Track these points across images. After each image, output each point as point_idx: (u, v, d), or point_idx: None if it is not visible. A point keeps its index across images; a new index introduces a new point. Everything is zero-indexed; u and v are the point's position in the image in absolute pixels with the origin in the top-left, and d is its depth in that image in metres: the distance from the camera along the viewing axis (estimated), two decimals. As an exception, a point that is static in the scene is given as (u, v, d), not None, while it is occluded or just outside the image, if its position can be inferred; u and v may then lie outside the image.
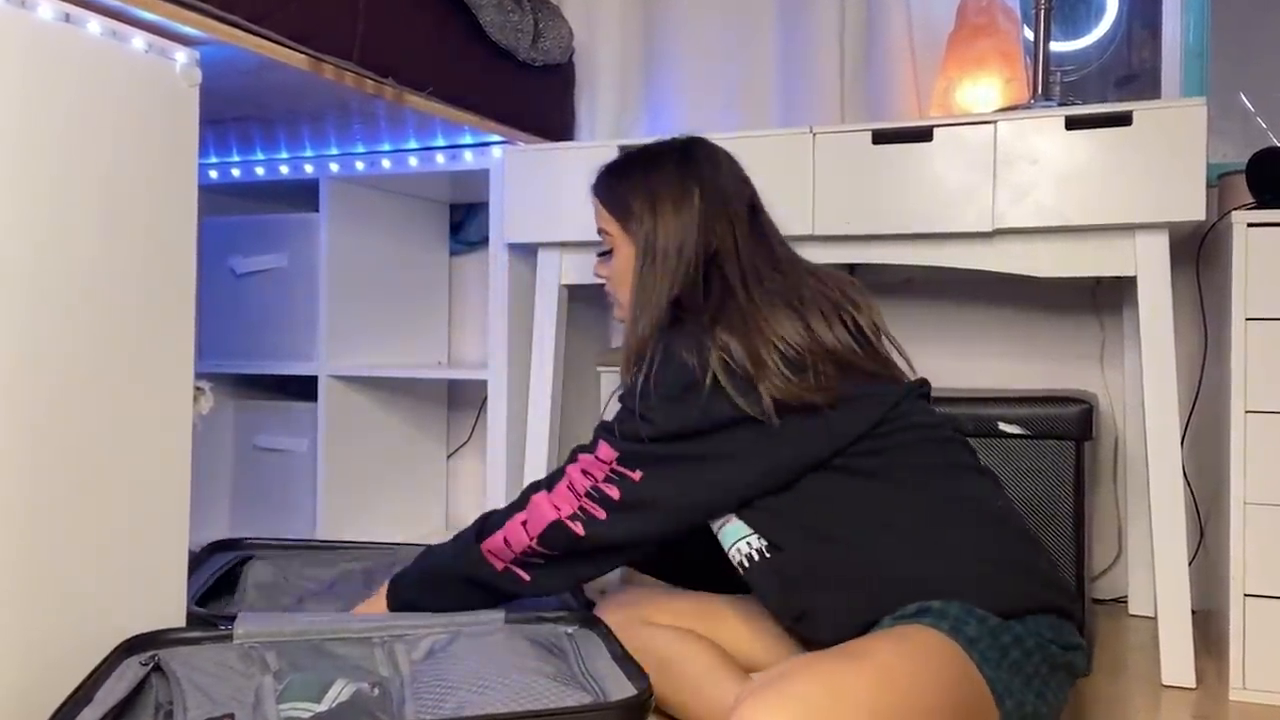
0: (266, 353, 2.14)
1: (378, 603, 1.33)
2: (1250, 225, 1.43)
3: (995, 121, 1.54)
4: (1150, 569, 1.66)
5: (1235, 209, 1.46)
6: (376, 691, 1.12)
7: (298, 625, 1.23)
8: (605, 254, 1.37)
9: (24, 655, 1.09)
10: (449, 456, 2.42)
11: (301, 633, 1.23)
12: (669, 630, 1.30)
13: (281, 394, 2.28)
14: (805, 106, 2.01)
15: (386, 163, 2.00)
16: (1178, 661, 1.46)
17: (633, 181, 1.32)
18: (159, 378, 1.25)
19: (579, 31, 2.11)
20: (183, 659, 1.16)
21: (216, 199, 2.25)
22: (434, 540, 2.20)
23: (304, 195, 2.18)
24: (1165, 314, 1.48)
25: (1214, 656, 1.57)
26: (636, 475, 1.17)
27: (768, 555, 1.17)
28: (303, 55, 1.45)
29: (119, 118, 1.19)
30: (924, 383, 1.25)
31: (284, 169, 2.08)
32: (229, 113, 1.73)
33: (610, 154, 1.76)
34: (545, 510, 1.21)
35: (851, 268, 2.02)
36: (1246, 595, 1.42)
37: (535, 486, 1.25)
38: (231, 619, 1.21)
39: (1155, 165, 1.44)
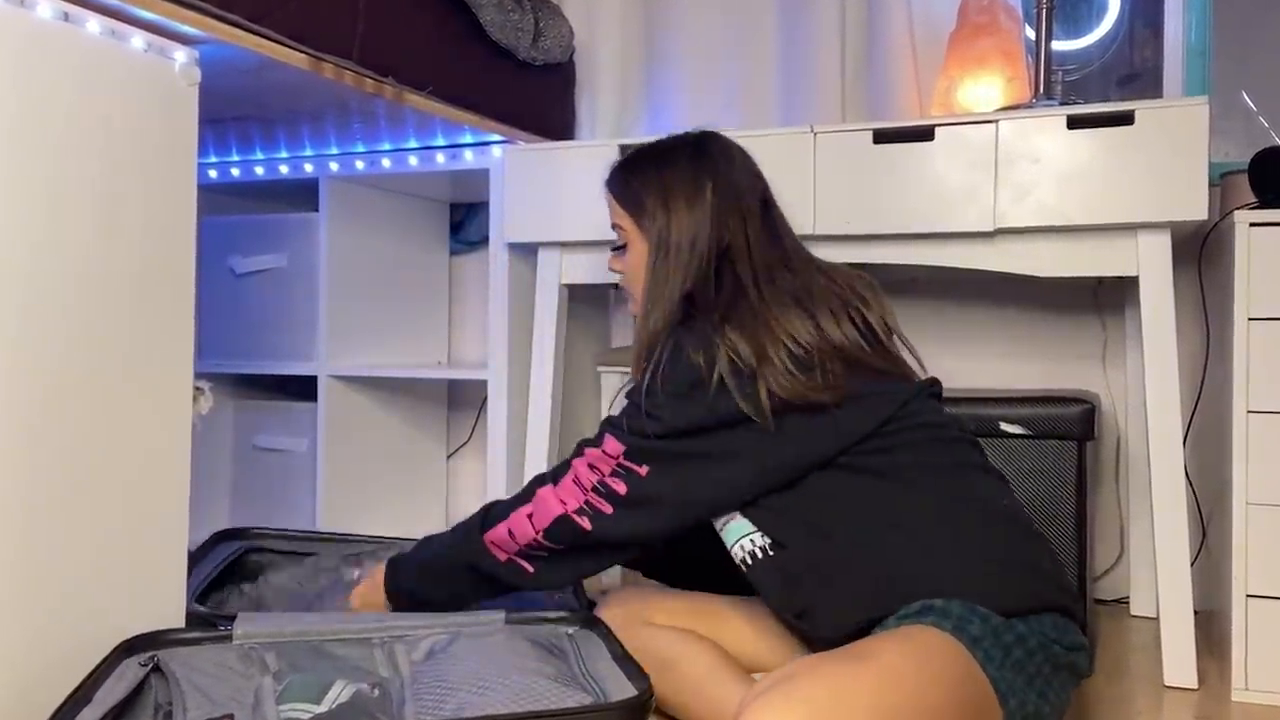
0: (266, 353, 2.14)
1: (374, 585, 1.33)
2: (1252, 225, 1.42)
3: (997, 121, 1.53)
4: (1152, 569, 1.66)
5: (1237, 208, 1.46)
6: (376, 692, 1.12)
7: (297, 626, 1.23)
8: (619, 249, 1.37)
9: (23, 656, 1.08)
10: (449, 456, 2.41)
11: (301, 633, 1.22)
12: (670, 631, 1.30)
13: (281, 394, 2.28)
14: (806, 106, 2.01)
15: (386, 162, 2.00)
16: (1180, 662, 1.46)
17: (646, 176, 1.31)
18: (158, 377, 1.24)
19: (579, 30, 2.10)
20: (182, 659, 1.15)
21: (216, 198, 2.25)
22: (434, 540, 2.20)
23: (304, 195, 2.18)
24: (1167, 314, 1.48)
25: (1216, 657, 1.56)
26: (643, 470, 1.17)
27: (770, 553, 1.17)
28: (302, 54, 1.44)
29: (118, 117, 1.18)
30: (934, 382, 1.24)
31: (284, 168, 2.07)
32: (228, 112, 1.73)
33: (611, 153, 1.76)
34: (551, 504, 1.21)
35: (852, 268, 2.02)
36: (1249, 596, 1.42)
37: (540, 480, 1.25)
38: (231, 619, 1.21)
39: (1157, 164, 1.44)
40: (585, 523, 1.19)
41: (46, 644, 1.11)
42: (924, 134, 1.56)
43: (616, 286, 2.15)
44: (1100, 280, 1.90)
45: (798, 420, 1.14)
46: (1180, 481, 1.47)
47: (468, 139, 1.92)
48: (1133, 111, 1.46)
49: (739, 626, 1.33)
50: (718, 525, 1.22)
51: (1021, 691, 0.99)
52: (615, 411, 1.25)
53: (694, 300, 1.24)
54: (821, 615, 1.13)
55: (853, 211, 1.60)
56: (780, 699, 0.90)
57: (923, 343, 1.31)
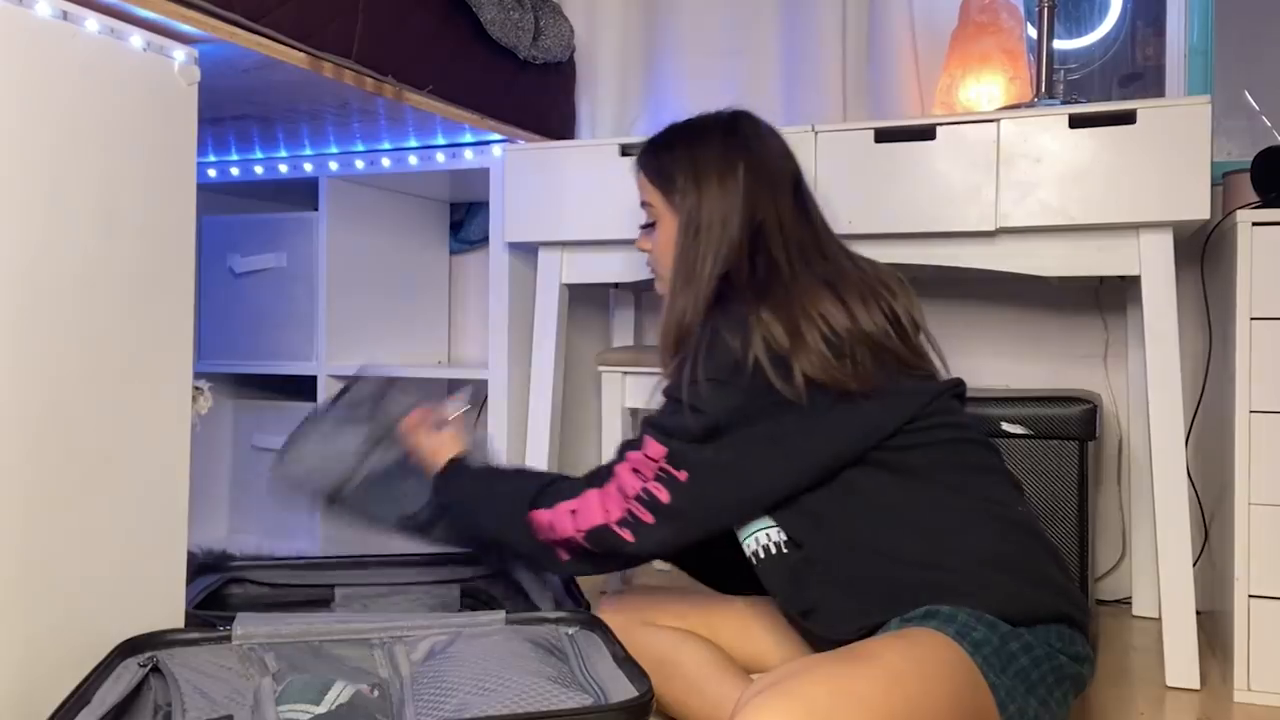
0: (265, 352, 2.13)
1: (434, 461, 1.34)
2: (1255, 224, 1.42)
3: (998, 120, 1.53)
4: (1154, 570, 1.65)
5: (1240, 208, 1.45)
6: (376, 693, 1.12)
7: (297, 627, 1.23)
8: (647, 227, 1.35)
9: (21, 656, 1.08)
10: (449, 456, 2.40)
11: (300, 634, 1.22)
12: (669, 631, 1.29)
13: (280, 393, 2.27)
14: (807, 105, 2.00)
15: (386, 161, 1.99)
16: (1182, 663, 1.45)
17: (677, 153, 1.30)
18: (157, 377, 1.24)
19: (580, 29, 2.10)
20: (181, 660, 1.15)
21: (215, 198, 2.25)
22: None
23: (303, 194, 2.18)
24: (1169, 313, 1.47)
25: (1218, 658, 1.56)
26: (683, 476, 1.15)
27: (784, 550, 1.16)
28: (302, 53, 1.44)
29: (117, 116, 1.18)
30: (959, 383, 1.23)
31: (283, 168, 2.07)
32: (228, 111, 1.73)
33: (611, 153, 1.77)
34: (594, 511, 1.19)
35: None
36: (1251, 596, 1.41)
37: (592, 479, 1.23)
38: (230, 620, 1.21)
39: (1159, 164, 1.44)
40: (627, 534, 1.17)
41: (45, 644, 1.10)
42: (925, 133, 1.56)
43: (617, 286, 2.16)
44: (1102, 280, 1.89)
45: (832, 408, 1.12)
46: (1182, 482, 1.46)
47: (468, 138, 1.92)
48: (1135, 111, 1.45)
49: (738, 627, 1.32)
50: None
51: (1022, 699, 0.99)
52: (654, 410, 1.23)
53: (727, 282, 1.22)
54: (828, 614, 1.13)
55: (854, 211, 1.60)
56: (779, 697, 0.90)
57: (923, 342, 1.31)
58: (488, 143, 1.92)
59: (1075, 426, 1.60)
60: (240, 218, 2.20)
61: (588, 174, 1.78)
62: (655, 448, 1.17)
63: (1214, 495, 1.65)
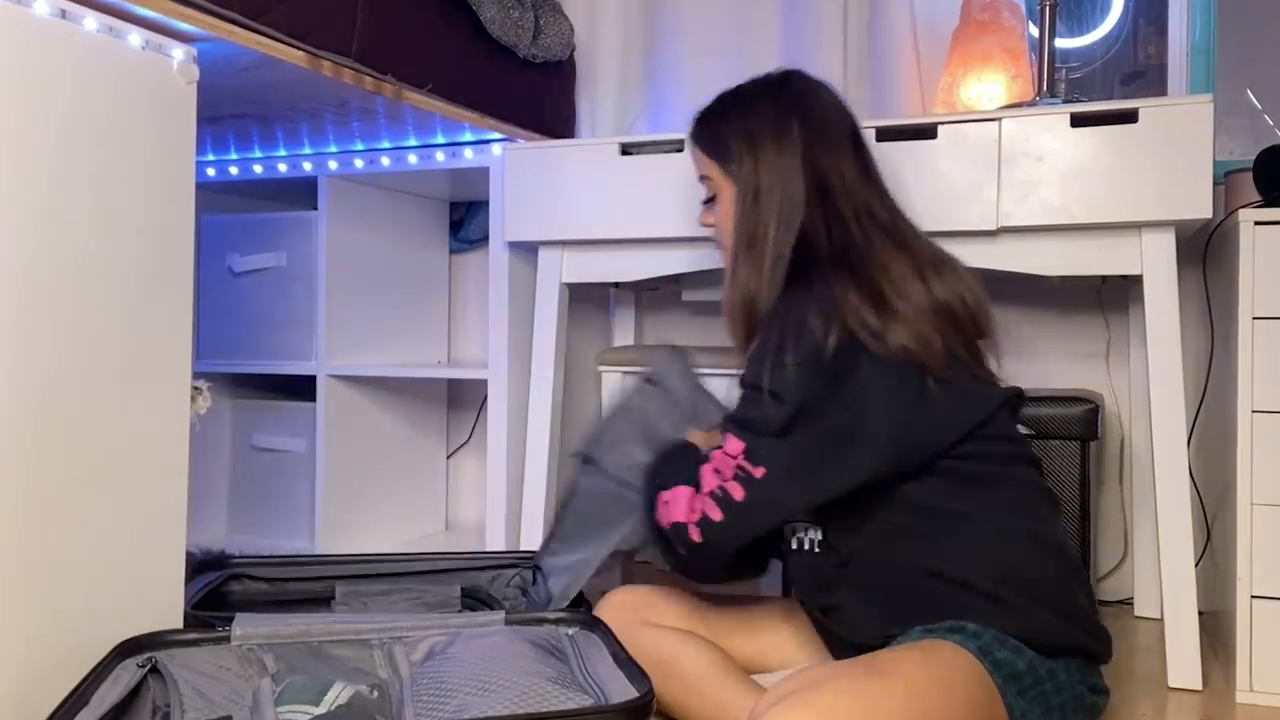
0: (265, 352, 2.13)
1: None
2: (1257, 223, 1.42)
3: (1000, 119, 1.52)
4: (1156, 570, 1.65)
5: (1242, 207, 1.45)
6: (375, 694, 1.11)
7: (296, 627, 1.22)
8: (709, 202, 1.31)
9: (19, 657, 1.07)
10: (449, 456, 2.40)
11: (300, 634, 1.22)
12: (670, 631, 1.29)
13: (280, 393, 2.27)
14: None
15: (386, 160, 1.99)
16: (1184, 663, 1.45)
17: (730, 121, 1.26)
18: (156, 377, 1.24)
19: (580, 28, 2.10)
20: (180, 661, 1.15)
21: (214, 197, 2.24)
22: (434, 542, 2.20)
23: (302, 193, 2.17)
24: (1171, 313, 1.47)
25: (1221, 658, 1.56)
26: (759, 472, 1.10)
27: (817, 550, 1.15)
28: (301, 52, 1.43)
29: (115, 115, 1.18)
30: (1019, 393, 1.18)
31: (282, 167, 2.06)
32: (227, 110, 1.72)
33: (612, 151, 1.76)
34: (679, 508, 1.16)
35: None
36: (1253, 597, 1.41)
37: (694, 471, 1.18)
38: (229, 620, 1.20)
39: (1161, 163, 1.43)
40: (697, 534, 1.14)
41: (43, 645, 1.10)
42: (927, 132, 1.55)
43: (617, 285, 2.16)
44: (1104, 279, 1.89)
45: (906, 404, 1.08)
46: (1184, 482, 1.46)
47: (467, 137, 1.91)
48: (1137, 109, 1.45)
49: (738, 627, 1.32)
50: None
51: None
52: (734, 405, 1.18)
53: (801, 251, 1.17)
54: (852, 617, 1.12)
55: (855, 210, 1.59)
56: (799, 708, 0.89)
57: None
58: (487, 142, 1.91)
59: (1077, 426, 1.59)
60: (239, 217, 2.20)
61: (588, 173, 1.77)
62: (734, 443, 1.13)
63: (1216, 495, 1.65)
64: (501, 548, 1.88)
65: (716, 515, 1.12)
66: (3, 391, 1.05)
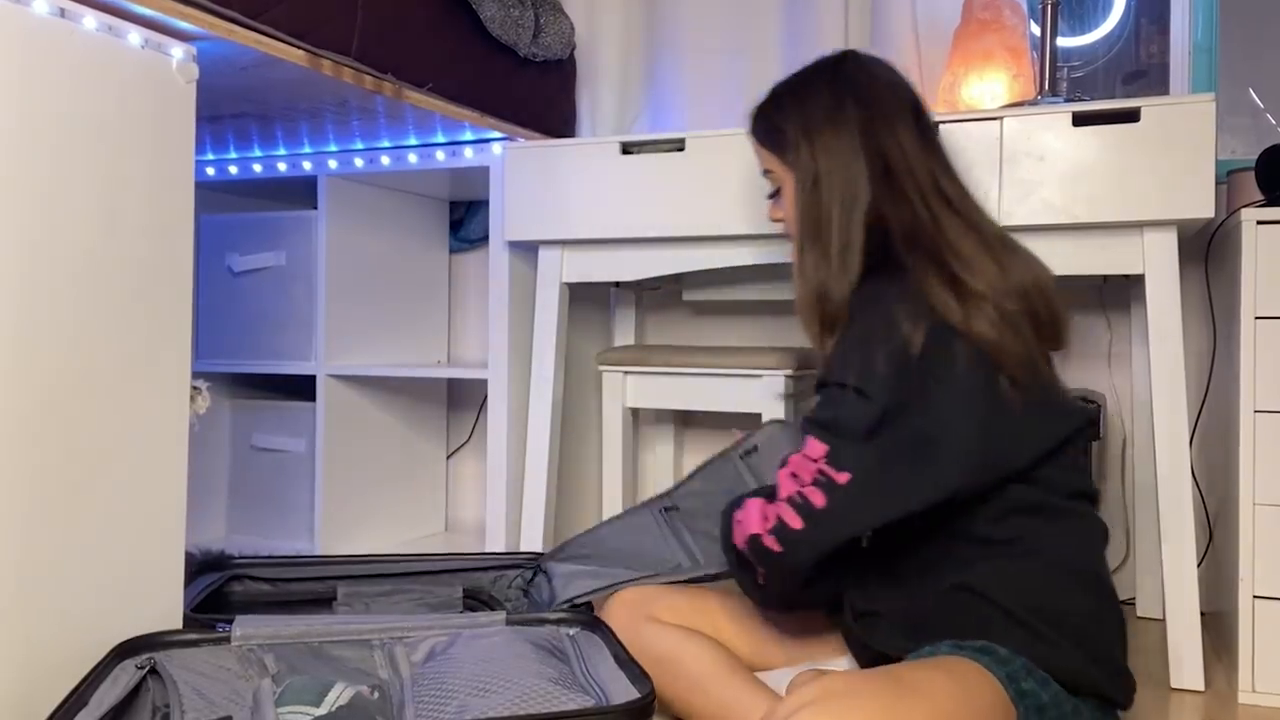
0: (264, 352, 2.12)
1: None
2: (1260, 223, 1.41)
3: (1001, 118, 1.52)
4: (1159, 571, 1.65)
5: (1244, 206, 1.45)
6: (376, 695, 1.11)
7: (296, 628, 1.22)
8: (774, 195, 1.28)
9: (18, 658, 1.07)
10: (449, 456, 2.40)
11: (300, 635, 1.21)
12: (674, 629, 1.28)
13: (279, 393, 2.27)
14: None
15: (385, 160, 1.98)
16: (1186, 664, 1.44)
17: (784, 110, 1.23)
18: (156, 377, 1.23)
19: (580, 27, 2.09)
20: (179, 662, 1.14)
21: (214, 196, 2.24)
22: (433, 543, 2.20)
23: (302, 193, 2.17)
24: (1173, 313, 1.46)
25: (1223, 659, 1.55)
26: (843, 478, 1.05)
27: (868, 550, 1.12)
28: (301, 51, 1.43)
29: (115, 114, 1.17)
30: (1096, 417, 1.16)
31: (282, 166, 2.06)
32: (226, 109, 1.72)
33: (612, 151, 1.76)
34: (753, 520, 1.11)
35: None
36: (1256, 597, 1.40)
37: (771, 487, 1.14)
38: (229, 621, 1.20)
39: (1163, 162, 1.43)
40: (773, 542, 1.08)
41: (42, 646, 1.10)
42: (928, 131, 1.55)
43: (618, 284, 2.15)
44: (1105, 279, 1.88)
45: (994, 405, 1.04)
46: (1186, 482, 1.46)
47: (467, 136, 1.91)
48: (1139, 109, 1.44)
49: (742, 624, 1.31)
50: None
51: None
52: (814, 406, 1.13)
53: (871, 234, 1.12)
54: (886, 627, 1.10)
55: (856, 209, 1.59)
56: (826, 717, 0.87)
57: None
58: (488, 141, 1.91)
59: (1079, 426, 1.58)
60: (239, 216, 2.20)
61: (588, 172, 1.77)
62: (815, 446, 1.07)
63: (1218, 495, 1.65)
64: (501, 548, 1.87)
65: (795, 523, 1.06)
66: (1, 391, 1.04)
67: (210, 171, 2.11)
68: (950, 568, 1.07)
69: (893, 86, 1.20)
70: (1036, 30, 1.78)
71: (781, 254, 1.68)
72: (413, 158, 1.96)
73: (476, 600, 1.59)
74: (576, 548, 1.54)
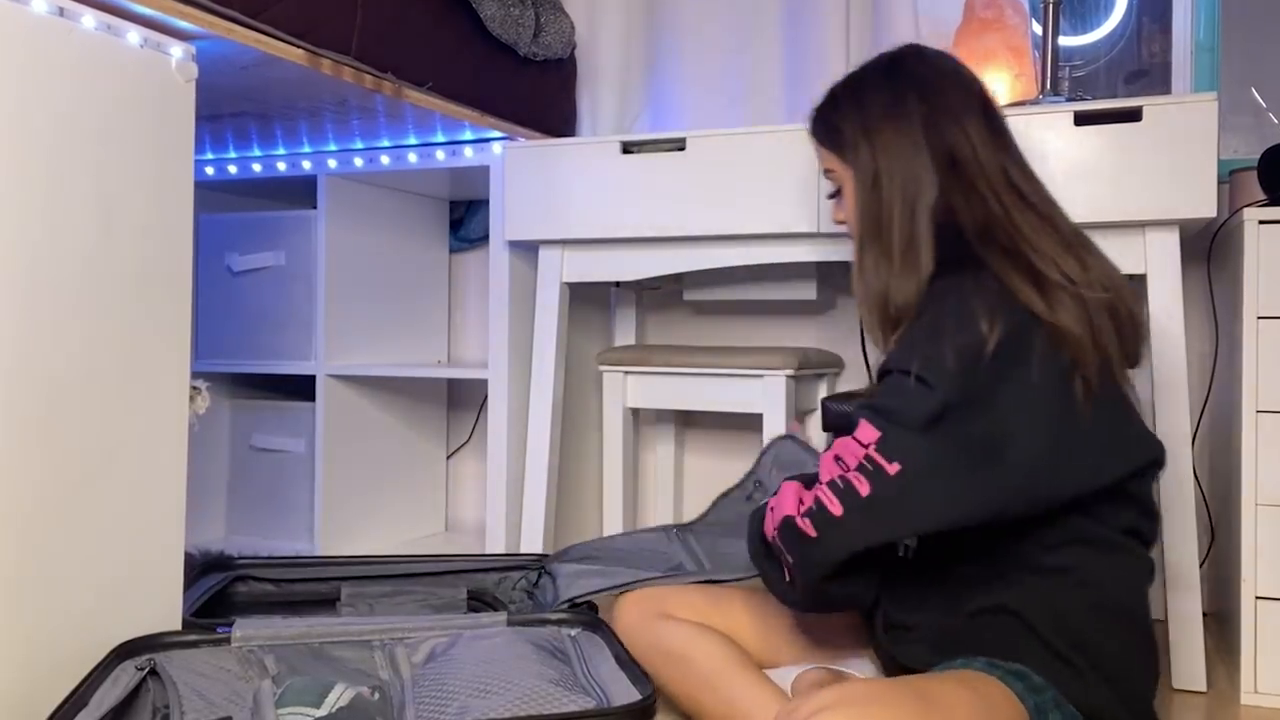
0: (264, 352, 2.12)
1: None
2: (1262, 222, 1.41)
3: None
4: (1160, 571, 1.64)
5: (1247, 206, 1.44)
6: (376, 696, 1.11)
7: (297, 628, 1.22)
8: (834, 195, 1.23)
9: (18, 659, 1.07)
10: (449, 456, 2.40)
11: (300, 636, 1.21)
12: (685, 625, 1.26)
13: (279, 393, 2.26)
14: (810, 102, 1.98)
15: (385, 159, 1.98)
16: (1189, 665, 1.44)
17: (842, 106, 1.19)
18: (155, 377, 1.23)
19: (580, 26, 2.09)
20: (179, 662, 1.14)
21: (213, 196, 2.24)
22: (433, 543, 2.20)
23: (302, 192, 2.17)
24: (1175, 312, 1.46)
25: (1225, 660, 1.55)
26: (893, 468, 0.97)
27: (910, 560, 1.07)
28: (300, 50, 1.43)
29: (114, 113, 1.17)
30: (1162, 455, 1.06)
31: (281, 165, 2.06)
32: (225, 108, 1.71)
33: (613, 150, 1.75)
34: (787, 502, 1.04)
35: (856, 265, 2.00)
36: (1258, 598, 1.40)
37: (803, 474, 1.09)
38: (229, 624, 1.20)
39: (1165, 161, 1.42)
40: (809, 526, 1.01)
41: (41, 647, 1.09)
42: (930, 130, 1.54)
43: (618, 284, 2.15)
44: (1106, 278, 1.88)
45: (1064, 416, 0.98)
46: (1188, 482, 1.45)
47: (468, 135, 1.91)
48: (1140, 108, 1.44)
49: (754, 621, 1.29)
50: None
51: None
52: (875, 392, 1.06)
53: (941, 233, 1.07)
54: (918, 644, 1.07)
55: (857, 209, 1.58)
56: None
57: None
58: (488, 140, 1.91)
59: (1080, 426, 1.58)
60: (238, 216, 2.19)
61: (589, 172, 1.77)
62: (869, 431, 1.00)
63: (1221, 496, 1.64)
64: (501, 548, 1.87)
65: (835, 509, 0.99)
66: (0, 392, 1.04)
67: (209, 171, 2.11)
68: (993, 588, 1.03)
69: (958, 79, 1.15)
70: (1038, 29, 1.77)
71: (782, 254, 1.67)
72: (412, 157, 1.96)
73: (480, 601, 1.59)
74: (582, 550, 1.54)
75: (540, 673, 1.14)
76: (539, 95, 1.99)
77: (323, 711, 1.06)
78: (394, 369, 2.03)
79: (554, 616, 1.30)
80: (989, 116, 1.13)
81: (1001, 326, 0.97)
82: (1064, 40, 1.91)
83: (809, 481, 1.06)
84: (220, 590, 1.51)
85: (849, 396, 1.47)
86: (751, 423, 2.07)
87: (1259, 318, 1.41)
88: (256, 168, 2.08)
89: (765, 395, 1.79)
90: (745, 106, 2.07)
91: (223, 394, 2.22)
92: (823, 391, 2.00)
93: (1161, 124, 1.43)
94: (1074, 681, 0.99)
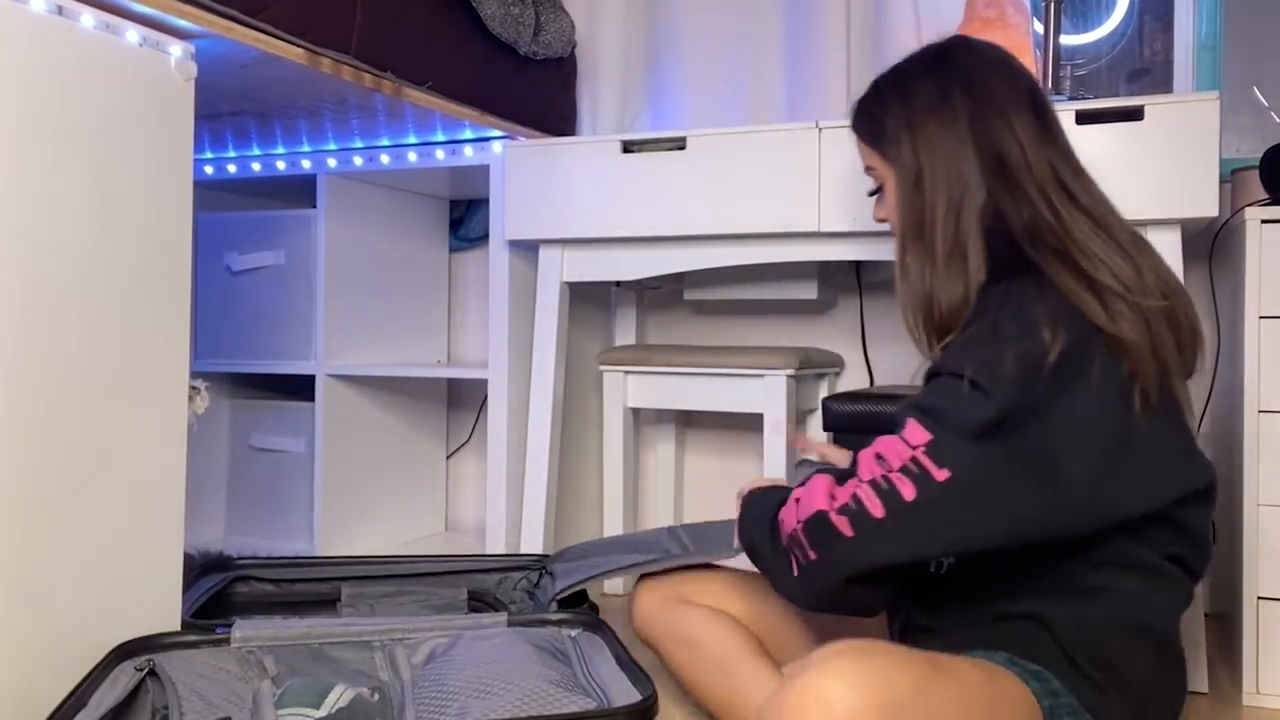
0: (263, 351, 2.12)
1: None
2: (1264, 222, 1.41)
3: (1005, 116, 1.51)
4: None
5: (1249, 205, 1.44)
6: (376, 697, 1.10)
7: (296, 629, 1.21)
8: (875, 193, 1.19)
9: (17, 659, 1.06)
10: (449, 456, 2.39)
11: (300, 636, 1.21)
12: (701, 611, 1.25)
13: (278, 393, 2.26)
14: (811, 101, 1.99)
15: (385, 158, 1.98)
16: (1190, 667, 1.42)
17: (885, 101, 1.13)
18: (154, 376, 1.23)
19: (581, 24, 2.09)
20: (178, 663, 1.14)
21: (212, 195, 2.23)
22: (433, 543, 2.20)
23: (301, 191, 2.16)
24: (1177, 312, 1.46)
25: (1226, 661, 1.55)
26: (942, 475, 0.91)
27: (944, 573, 1.04)
28: (300, 49, 1.42)
29: (113, 112, 1.16)
30: (1214, 480, 1.02)
31: (281, 164, 2.05)
32: (225, 107, 1.71)
33: (613, 149, 1.75)
34: (818, 496, 0.98)
35: (858, 265, 2.00)
36: (1260, 598, 1.40)
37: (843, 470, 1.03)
38: (228, 624, 1.19)
39: (1167, 161, 1.42)
40: (845, 525, 0.94)
41: (40, 647, 1.09)
42: (931, 130, 1.54)
43: (618, 284, 2.15)
44: (1107, 278, 1.88)
45: (1121, 433, 0.93)
46: (1190, 482, 1.45)
47: (467, 135, 1.90)
48: (1142, 107, 1.44)
49: (770, 608, 1.28)
50: None
51: None
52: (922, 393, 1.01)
53: (992, 235, 1.03)
54: (930, 641, 1.04)
55: (858, 208, 1.58)
56: (856, 668, 0.81)
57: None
58: (488, 139, 1.90)
59: (1082, 426, 1.58)
60: (238, 215, 2.19)
61: (589, 171, 1.76)
62: (918, 432, 0.94)
63: (1222, 496, 1.64)
64: (501, 548, 1.87)
65: (877, 510, 0.93)
66: (-1, 392, 1.04)
67: (209, 170, 2.10)
68: (1022, 598, 1.00)
69: (1007, 72, 1.09)
70: (1040, 28, 1.77)
71: (783, 253, 1.67)
72: (412, 156, 1.96)
73: (481, 602, 1.58)
74: (582, 549, 1.54)
75: (540, 673, 1.14)
76: (539, 94, 1.98)
77: (322, 712, 1.05)
78: (394, 369, 2.03)
79: (554, 617, 1.30)
80: (1038, 111, 1.08)
81: (1065, 336, 0.92)
82: (1065, 39, 1.90)
83: (840, 477, 1.00)
84: (220, 591, 1.51)
85: (851, 397, 1.47)
86: (752, 422, 2.07)
87: (1261, 317, 1.41)
88: (256, 167, 2.07)
89: (766, 395, 1.78)
90: (746, 104, 2.06)
91: (222, 394, 2.22)
92: (823, 391, 2.00)
93: (1163, 123, 1.42)
94: (1093, 697, 0.96)
